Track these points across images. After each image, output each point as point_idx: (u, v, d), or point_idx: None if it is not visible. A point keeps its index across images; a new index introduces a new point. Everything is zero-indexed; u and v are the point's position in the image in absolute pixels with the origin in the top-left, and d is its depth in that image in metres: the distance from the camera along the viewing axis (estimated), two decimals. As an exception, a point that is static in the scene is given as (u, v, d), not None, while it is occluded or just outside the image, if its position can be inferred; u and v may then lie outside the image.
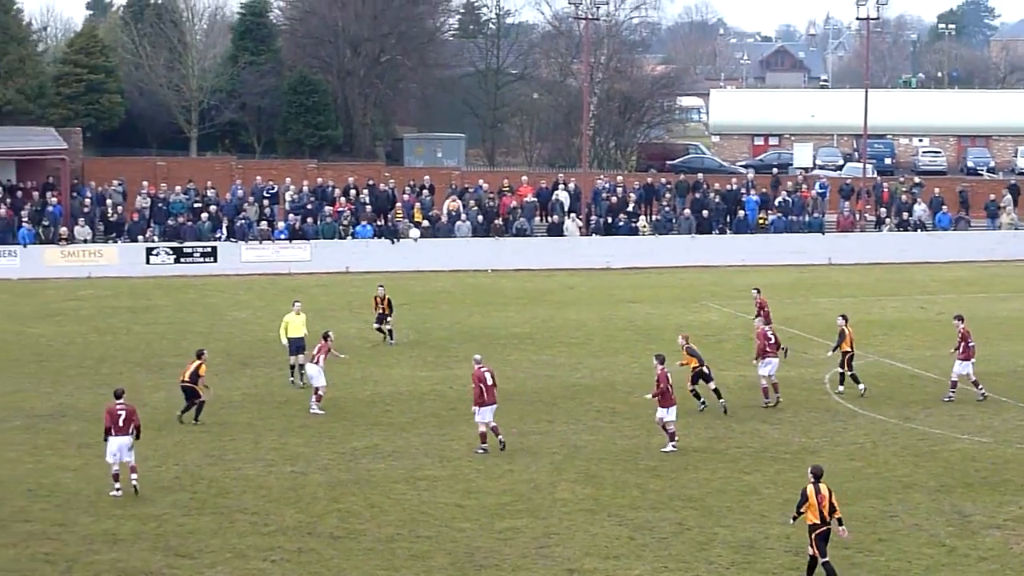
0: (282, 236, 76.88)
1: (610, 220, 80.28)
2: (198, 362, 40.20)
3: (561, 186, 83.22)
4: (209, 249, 75.72)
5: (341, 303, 64.29)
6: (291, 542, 29.30)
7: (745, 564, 28.22)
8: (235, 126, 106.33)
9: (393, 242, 77.51)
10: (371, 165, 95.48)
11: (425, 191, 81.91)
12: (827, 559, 26.41)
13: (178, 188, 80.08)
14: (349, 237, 77.74)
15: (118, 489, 32.97)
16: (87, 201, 78.03)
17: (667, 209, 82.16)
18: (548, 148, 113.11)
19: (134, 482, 32.99)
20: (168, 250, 75.28)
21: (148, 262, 74.77)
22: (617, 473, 35.09)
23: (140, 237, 76.07)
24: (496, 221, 79.76)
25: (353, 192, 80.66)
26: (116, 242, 75.97)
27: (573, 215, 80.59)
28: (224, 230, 77.01)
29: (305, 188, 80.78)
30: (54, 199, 77.55)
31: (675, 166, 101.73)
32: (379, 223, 78.87)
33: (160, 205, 78.26)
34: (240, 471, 35.01)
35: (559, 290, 69.05)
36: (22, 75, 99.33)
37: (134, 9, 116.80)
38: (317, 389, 41.88)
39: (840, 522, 26.96)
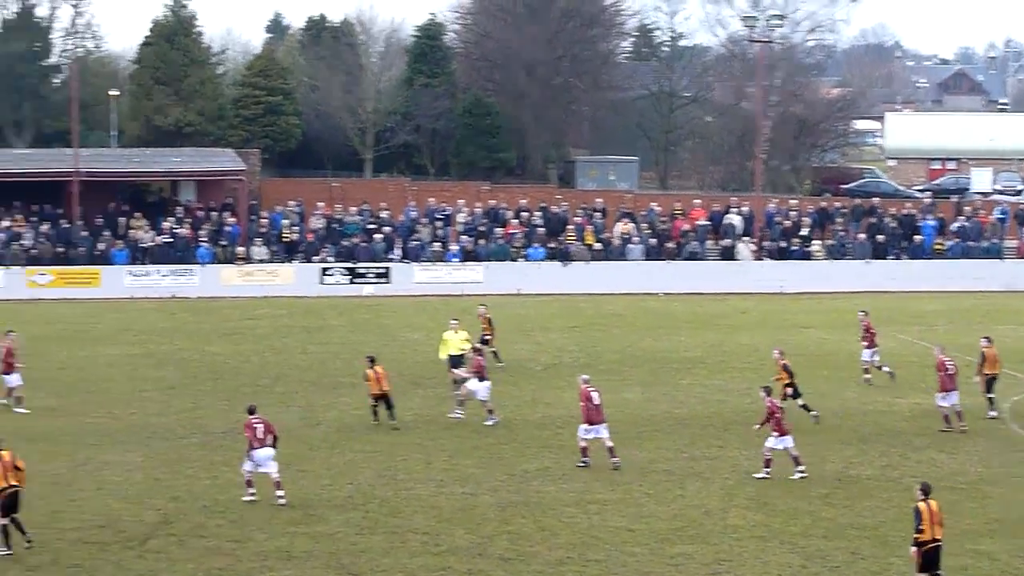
0: (455, 257, 77.42)
1: (783, 244, 79.67)
2: (378, 367, 41.45)
3: (734, 209, 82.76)
4: (383, 270, 76.49)
5: (512, 325, 64.38)
6: (461, 563, 29.40)
7: (918, 595, 27.76)
8: (409, 148, 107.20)
9: (564, 264, 77.62)
10: (543, 187, 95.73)
11: (597, 213, 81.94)
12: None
13: (353, 209, 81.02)
14: (521, 259, 78.03)
15: (252, 494, 33.69)
16: (264, 222, 79.22)
17: (841, 233, 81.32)
18: (721, 171, 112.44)
19: (281, 501, 33.44)
20: (343, 270, 76.18)
21: (323, 282, 75.72)
22: (789, 500, 34.73)
23: (315, 257, 77.03)
24: (668, 244, 79.54)
25: (525, 214, 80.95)
26: (292, 262, 77.02)
27: (746, 239, 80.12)
28: (398, 251, 77.71)
29: (478, 210, 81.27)
30: (232, 219, 78.87)
31: (850, 190, 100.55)
32: (551, 245, 79.04)
33: (335, 226, 79.22)
34: (412, 491, 35.23)
35: (731, 314, 68.60)
36: (202, 97, 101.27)
37: (312, 32, 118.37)
38: (485, 402, 42.31)
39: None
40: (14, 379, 45.35)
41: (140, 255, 76.17)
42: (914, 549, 27.07)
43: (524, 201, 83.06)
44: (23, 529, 30.33)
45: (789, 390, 42.79)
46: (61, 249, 76.08)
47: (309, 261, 76.93)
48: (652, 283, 76.42)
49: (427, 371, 52.37)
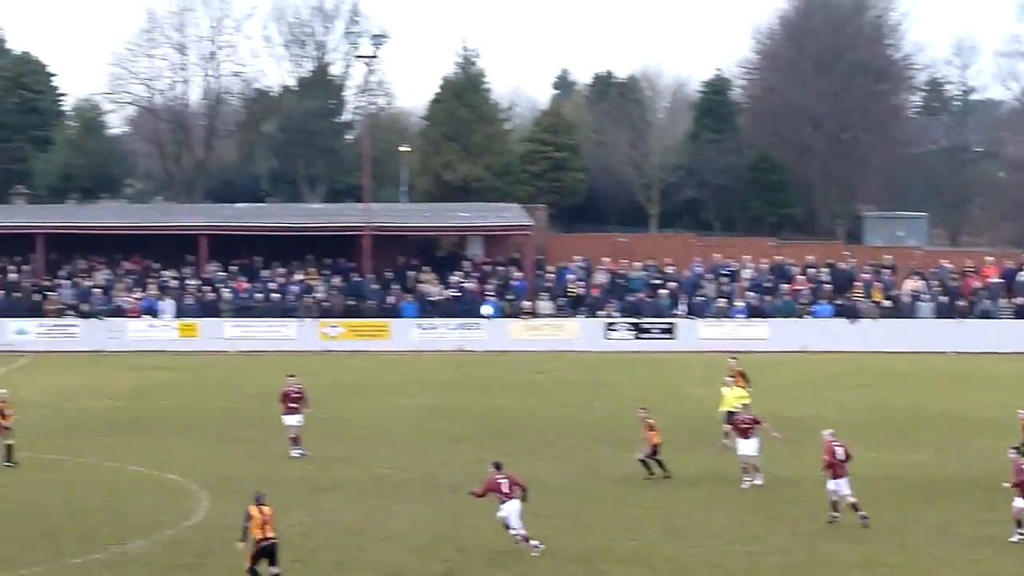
0: (740, 314, 76.92)
1: (1081, 302, 77.34)
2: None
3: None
4: (667, 325, 76.43)
5: (798, 382, 63.76)
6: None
7: None
8: (695, 203, 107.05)
9: (852, 321, 76.49)
10: (830, 243, 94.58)
11: (885, 270, 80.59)
12: None
13: (637, 264, 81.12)
14: (807, 315, 77.13)
15: (534, 543, 33.83)
16: (550, 276, 79.84)
17: None
18: (1014, 227, 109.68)
19: (534, 551, 33.59)
20: (628, 325, 76.29)
21: (607, 337, 75.94)
22: (1088, 568, 33.47)
23: (600, 312, 77.31)
24: (959, 302, 77.77)
25: (812, 270, 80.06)
26: (577, 317, 77.40)
27: (1041, 297, 77.95)
28: (683, 307, 77.52)
29: (764, 266, 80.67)
30: (518, 274, 79.68)
31: None
32: (838, 302, 77.97)
33: (620, 281, 79.42)
34: (696, 548, 34.93)
35: (1026, 374, 66.72)
36: (490, 153, 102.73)
37: (598, 88, 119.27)
38: (748, 458, 41.92)
39: None
40: (294, 420, 46.53)
41: (428, 308, 77.41)
42: None
43: (811, 257, 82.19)
44: None
45: None
46: (352, 302, 77.78)
47: (594, 316, 77.25)
48: (942, 341, 74.83)
49: (710, 427, 51.96)
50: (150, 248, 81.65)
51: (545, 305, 77.36)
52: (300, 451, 46.64)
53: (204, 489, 41.32)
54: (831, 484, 37.43)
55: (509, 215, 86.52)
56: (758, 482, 41.77)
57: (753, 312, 77.08)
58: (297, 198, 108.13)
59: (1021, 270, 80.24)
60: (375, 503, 39.64)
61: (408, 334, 76.19)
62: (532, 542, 34.06)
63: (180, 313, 76.70)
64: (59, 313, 76.64)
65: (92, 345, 75.39)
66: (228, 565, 33.23)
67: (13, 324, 75.97)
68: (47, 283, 78.77)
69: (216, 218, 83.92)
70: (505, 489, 34.46)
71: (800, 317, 77.18)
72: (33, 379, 64.97)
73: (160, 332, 76.20)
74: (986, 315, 77.31)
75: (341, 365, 69.77)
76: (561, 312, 77.84)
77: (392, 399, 58.86)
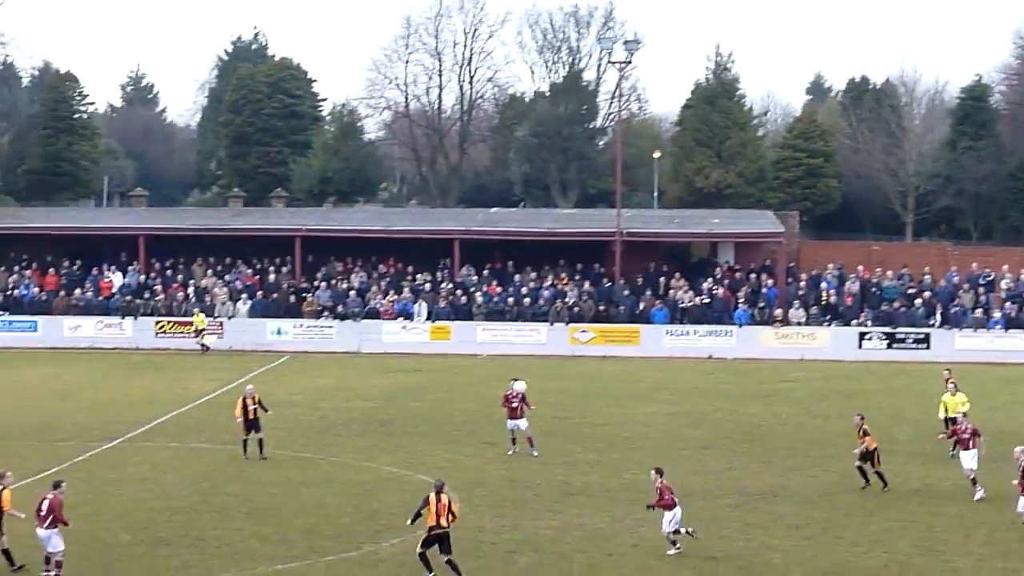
0: (997, 325, 75.22)
1: None
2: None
3: None
4: (922, 335, 75.10)
5: (1058, 396, 62.16)
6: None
7: None
8: (951, 211, 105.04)
9: (1116, 334, 74.30)
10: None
11: None
12: None
13: (890, 273, 79.83)
14: (1068, 328, 75.17)
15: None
16: (802, 284, 79.06)
17: None
18: None
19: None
20: (881, 335, 75.17)
21: (860, 346, 74.92)
22: None
23: (853, 321, 76.30)
24: None
25: (1074, 281, 77.93)
26: (830, 325, 76.49)
27: None
28: (938, 317, 76.10)
29: (1023, 276, 78.72)
30: (770, 281, 79.05)
31: None
32: (1101, 314, 75.83)
33: (873, 290, 78.27)
34: (949, 564, 34.25)
35: None
36: (743, 159, 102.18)
37: (853, 94, 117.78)
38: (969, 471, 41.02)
39: None
40: (517, 423, 47.47)
41: (679, 315, 77.24)
42: None
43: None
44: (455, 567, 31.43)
45: None
46: (603, 307, 77.96)
47: (847, 325, 76.25)
48: None
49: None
50: (404, 251, 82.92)
51: (797, 313, 76.62)
52: (532, 452, 47.18)
53: (454, 491, 41.79)
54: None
55: (761, 222, 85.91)
56: (978, 495, 40.77)
57: (1011, 324, 75.30)
58: (549, 203, 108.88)
59: None
60: (624, 509, 39.68)
61: (658, 340, 76.11)
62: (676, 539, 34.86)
63: (433, 316, 77.73)
64: (316, 314, 78.27)
65: (347, 346, 76.83)
66: (482, 566, 33.59)
67: (271, 324, 77.81)
68: (304, 285, 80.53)
69: (469, 223, 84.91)
70: (664, 498, 34.86)
71: (1060, 329, 75.22)
72: (289, 378, 66.48)
73: (413, 335, 77.33)
74: None
75: (591, 370, 70.01)
76: (813, 320, 76.99)
77: (641, 405, 58.88)
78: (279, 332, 77.73)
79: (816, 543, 36.18)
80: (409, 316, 78.02)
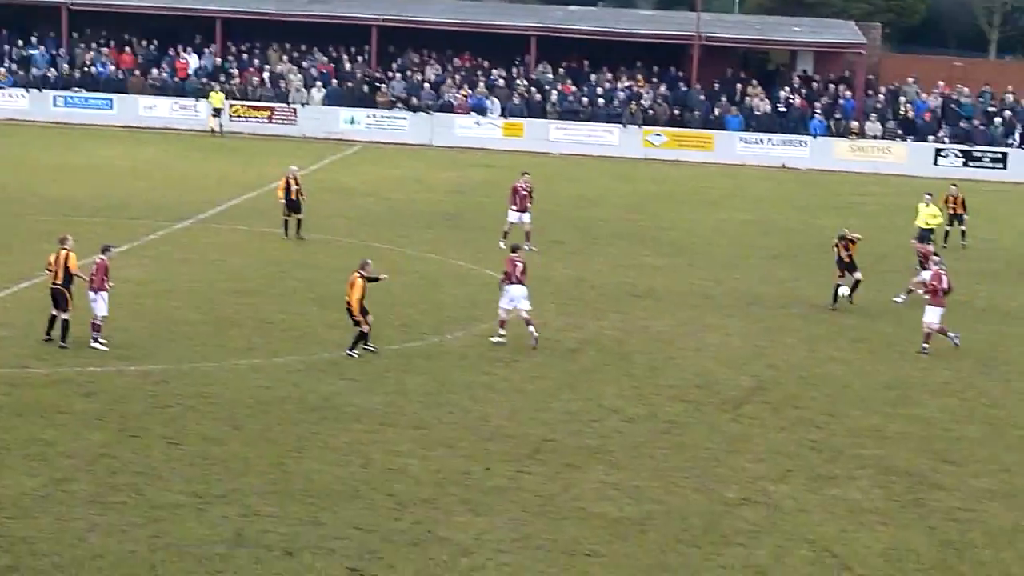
0: (1077, 146, 74.34)
1: None
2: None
3: None
4: (999, 155, 74.23)
5: None
6: (1060, 463, 28.46)
7: None
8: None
9: None
10: None
11: None
12: None
13: (970, 90, 78.66)
14: None
15: (503, 336, 34.95)
16: (880, 98, 78.09)
17: None
18: None
19: (534, 336, 34.85)
20: (957, 152, 74.37)
21: (935, 163, 74.16)
22: None
23: (930, 137, 75.45)
24: None
25: None
26: (906, 141, 75.69)
27: None
28: (1017, 137, 75.12)
29: (1106, 98, 77.49)
30: (848, 93, 78.10)
31: None
32: None
33: (953, 106, 77.24)
34: (1010, 383, 34.23)
35: None
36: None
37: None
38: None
39: None
40: (517, 217, 48.69)
41: (753, 123, 76.58)
42: None
43: None
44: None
45: None
46: (677, 111, 77.35)
47: (924, 141, 75.42)
48: None
49: (1038, 262, 50.80)
50: (481, 46, 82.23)
51: (873, 127, 75.75)
52: (529, 247, 47.19)
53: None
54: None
55: (843, 32, 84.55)
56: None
57: (1091, 146, 74.34)
58: (629, 3, 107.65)
59: None
60: (689, 314, 39.79)
61: (732, 147, 75.52)
62: (531, 327, 35.01)
63: (506, 112, 77.35)
64: (389, 105, 78.04)
65: (419, 138, 76.73)
66: (541, 362, 33.85)
67: (344, 113, 77.68)
68: (379, 75, 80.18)
69: (547, 19, 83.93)
70: (519, 274, 35.37)
71: None
72: (360, 168, 66.60)
73: (486, 130, 77.03)
74: None
75: (663, 174, 69.73)
76: (889, 135, 76.14)
77: (712, 212, 58.70)
78: (352, 121, 77.61)
79: (878, 357, 36.22)
80: (483, 111, 77.67)
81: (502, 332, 35.30)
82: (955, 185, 54.28)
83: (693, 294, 42.22)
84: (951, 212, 52.69)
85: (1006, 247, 53.91)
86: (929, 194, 48.98)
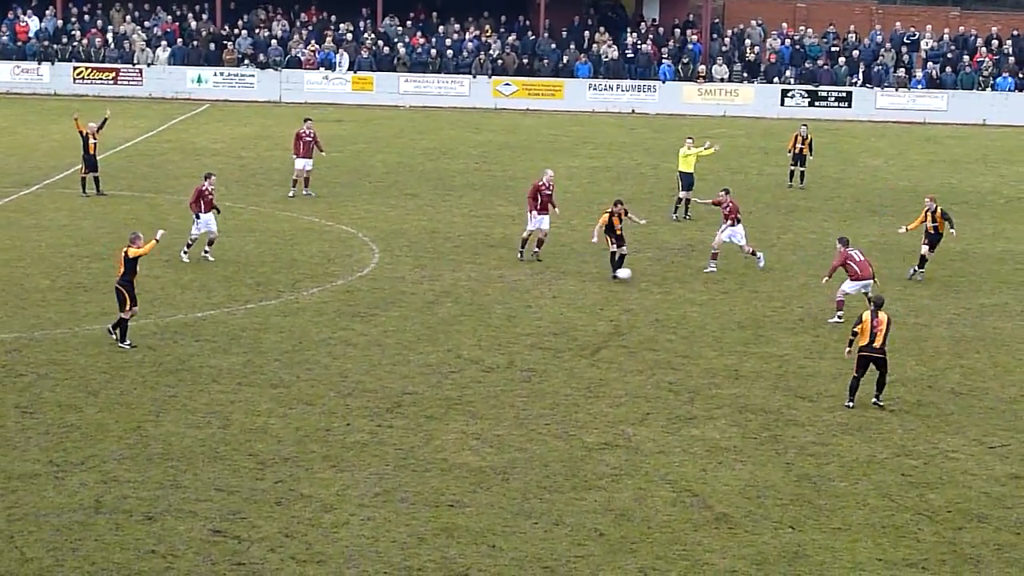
0: (919, 85, 75.47)
1: None
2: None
3: None
4: (844, 94, 75.24)
5: (975, 156, 62.72)
6: (911, 394, 28.97)
7: None
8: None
9: (1035, 95, 74.77)
10: (1017, 15, 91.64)
11: (1074, 43, 78.30)
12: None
13: (814, 31, 79.57)
14: (988, 89, 75.46)
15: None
16: (726, 41, 78.73)
17: None
18: None
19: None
20: (803, 93, 75.25)
21: (782, 104, 75.01)
22: None
23: (776, 79, 76.25)
24: None
25: (996, 42, 77.98)
26: (752, 83, 76.45)
27: None
28: (860, 76, 76.17)
29: (946, 36, 78.74)
30: (694, 37, 78.65)
31: None
32: (1021, 76, 76.07)
33: (798, 48, 78.09)
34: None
35: None
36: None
37: None
38: (742, 247, 39.89)
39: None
40: (303, 164, 49.06)
41: (602, 69, 76.88)
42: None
43: (995, 29, 79.94)
44: None
45: None
46: (526, 61, 77.43)
47: (770, 82, 76.22)
48: None
49: (885, 199, 51.61)
50: (327, 0, 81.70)
51: (720, 70, 76.41)
52: (308, 192, 48.81)
53: (375, 241, 41.93)
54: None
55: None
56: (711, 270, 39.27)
57: (932, 83, 75.52)
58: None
59: None
60: (544, 262, 39.92)
61: (582, 95, 75.81)
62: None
63: (355, 66, 76.95)
64: (236, 63, 77.30)
65: (268, 96, 76.10)
66: (399, 315, 33.84)
67: (191, 72, 76.81)
68: (224, 32, 79.32)
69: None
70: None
71: (981, 90, 75.47)
72: (209, 127, 65.93)
73: (335, 85, 76.61)
74: None
75: (514, 123, 69.82)
76: (736, 77, 76.85)
77: (564, 159, 58.87)
78: (199, 80, 76.78)
79: (732, 298, 36.66)
80: (331, 66, 77.21)
81: None
82: (805, 125, 54.86)
83: (548, 242, 42.34)
84: (797, 152, 53.11)
85: (853, 184, 54.73)
86: (690, 138, 48.35)
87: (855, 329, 27.71)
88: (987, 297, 37.42)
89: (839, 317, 34.23)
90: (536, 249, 40.36)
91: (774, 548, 21.58)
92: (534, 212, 40.20)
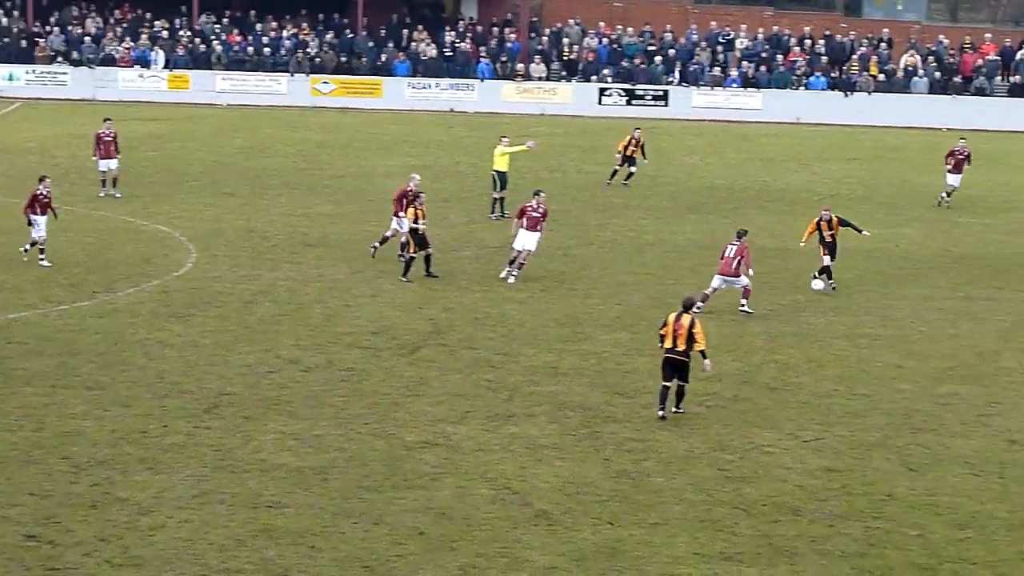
0: (734, 83, 76.56)
1: (1077, 83, 77.05)
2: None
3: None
4: (661, 92, 76.09)
5: (789, 154, 63.76)
6: (727, 389, 29.33)
7: None
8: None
9: (846, 95, 76.17)
10: (828, 15, 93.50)
11: (883, 44, 79.95)
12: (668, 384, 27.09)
13: (632, 30, 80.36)
14: (802, 88, 76.80)
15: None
16: (544, 39, 79.16)
17: None
18: (1016, 4, 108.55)
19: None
20: (620, 91, 75.93)
21: (600, 102, 75.62)
22: (1067, 346, 33.84)
23: (594, 77, 76.85)
24: (955, 78, 77.34)
25: (808, 42, 79.41)
26: (570, 81, 76.95)
27: (1037, 76, 77.54)
28: (676, 75, 77.08)
29: (760, 36, 80.00)
30: (513, 36, 78.97)
31: None
32: (833, 75, 77.56)
33: (615, 46, 78.78)
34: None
35: (1019, 153, 66.61)
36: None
37: None
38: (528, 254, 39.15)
39: (703, 355, 27.00)
40: (108, 164, 48.64)
41: (421, 68, 76.87)
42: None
43: (808, 28, 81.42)
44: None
45: None
46: (344, 59, 77.15)
47: (588, 81, 76.79)
48: (936, 117, 74.58)
49: (702, 197, 52.22)
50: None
51: (538, 68, 76.81)
52: (115, 193, 48.32)
53: (192, 241, 41.47)
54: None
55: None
56: (511, 279, 38.22)
57: (747, 82, 76.67)
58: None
59: (1021, 48, 79.62)
60: (363, 261, 39.80)
61: (400, 93, 75.74)
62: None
63: (171, 64, 76.05)
64: (49, 60, 75.98)
65: (82, 94, 74.92)
66: (216, 316, 33.50)
67: (2, 70, 75.33)
68: (36, 29, 77.91)
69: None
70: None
71: (795, 88, 76.80)
72: (22, 126, 64.73)
73: (150, 83, 75.68)
74: (981, 92, 76.97)
75: (332, 122, 69.50)
76: (554, 76, 77.34)
77: (383, 158, 58.76)
78: (11, 78, 75.32)
79: (551, 295, 36.82)
80: (146, 64, 76.22)
81: None
82: (639, 128, 54.91)
83: (367, 241, 42.18)
84: (628, 154, 53.10)
85: (670, 182, 55.33)
86: (505, 137, 48.28)
87: (660, 332, 27.60)
88: (801, 293, 38.02)
89: (698, 308, 34.54)
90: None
91: (593, 544, 21.72)
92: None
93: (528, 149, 47.81)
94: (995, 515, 23.38)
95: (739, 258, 35.22)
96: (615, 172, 53.51)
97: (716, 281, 35.31)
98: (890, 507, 23.56)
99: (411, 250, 37.70)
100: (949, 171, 51.38)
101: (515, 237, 37.92)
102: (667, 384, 27.19)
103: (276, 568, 20.53)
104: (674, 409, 27.37)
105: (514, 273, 37.87)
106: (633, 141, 53.31)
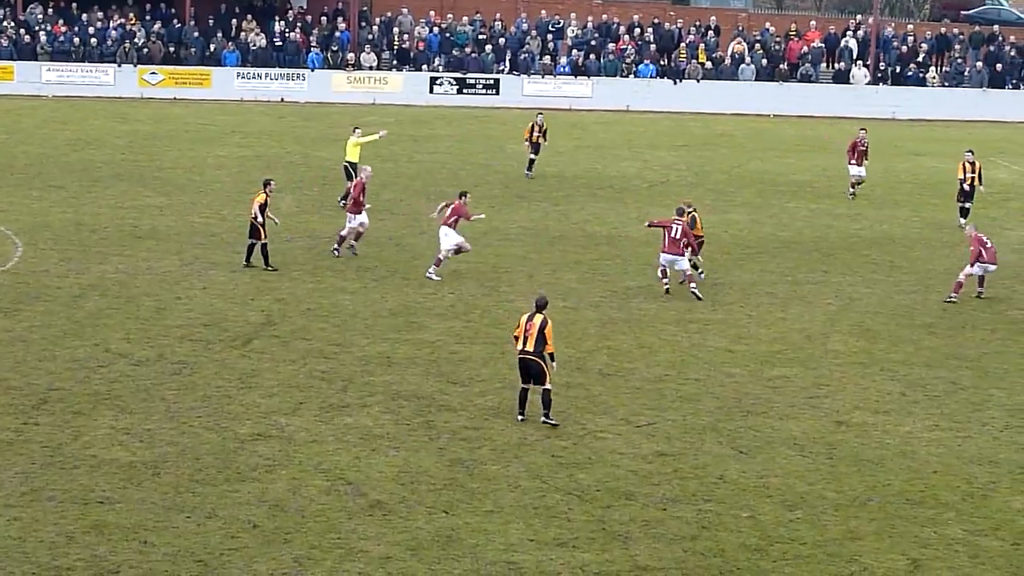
0: (564, 71, 76.96)
1: (899, 69, 78.42)
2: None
3: (850, 33, 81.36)
4: (492, 81, 76.24)
5: (619, 141, 64.25)
6: (561, 376, 29.39)
7: (1020, 428, 27.60)
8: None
9: (675, 82, 76.94)
10: (656, 3, 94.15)
11: (710, 32, 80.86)
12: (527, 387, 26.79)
13: (464, 19, 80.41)
14: (631, 75, 77.43)
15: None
16: (375, 29, 78.94)
17: (959, 61, 79.96)
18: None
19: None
20: (451, 80, 75.97)
21: (431, 91, 75.59)
22: (892, 328, 34.55)
23: (425, 67, 76.80)
24: (781, 66, 78.48)
25: (637, 30, 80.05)
26: (401, 70, 76.83)
27: (860, 63, 78.85)
28: (507, 63, 77.30)
29: (589, 24, 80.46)
30: (343, 25, 78.64)
31: (970, 16, 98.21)
32: (662, 63, 78.31)
33: (446, 35, 78.78)
34: (512, 303, 35.24)
35: (842, 139, 67.66)
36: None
37: None
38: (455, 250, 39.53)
39: (552, 357, 26.78)
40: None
41: (251, 58, 76.24)
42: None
43: (637, 17, 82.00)
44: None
45: None
46: (172, 49, 76.27)
47: (419, 70, 76.73)
48: (763, 104, 75.65)
49: (533, 185, 52.44)
50: (-38, -13, 79.06)
51: (369, 58, 76.55)
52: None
53: (18, 235, 40.78)
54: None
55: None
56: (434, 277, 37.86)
57: (577, 70, 77.08)
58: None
59: (844, 36, 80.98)
60: (194, 253, 39.45)
61: (230, 84, 75.00)
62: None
63: (-6, 55, 74.60)
64: None
65: (-99, 86, 73.30)
66: (44, 310, 32.98)
67: None
68: None
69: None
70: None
71: (624, 76, 77.38)
72: None
73: (-27, 75, 74.20)
74: (807, 79, 78.15)
75: (161, 113, 68.64)
76: (385, 65, 77.15)
77: (212, 149, 58.19)
78: None
79: (384, 285, 36.77)
80: (-32, 55, 74.67)
81: None
82: (541, 114, 54.81)
83: (197, 233, 41.86)
84: (534, 141, 53.38)
85: (501, 170, 55.44)
86: (358, 128, 48.02)
87: (515, 333, 27.44)
88: (632, 280, 38.37)
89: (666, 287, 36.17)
90: (353, 243, 39.87)
91: (428, 533, 21.76)
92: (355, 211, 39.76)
93: (380, 138, 47.80)
94: (823, 495, 23.83)
95: (684, 238, 35.64)
96: (532, 161, 53.50)
97: (663, 259, 36.33)
98: (721, 490, 23.91)
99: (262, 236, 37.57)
100: (852, 163, 51.61)
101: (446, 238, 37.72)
102: (525, 387, 26.96)
103: (108, 564, 20.29)
104: (543, 419, 26.73)
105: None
106: (536, 127, 53.35)
